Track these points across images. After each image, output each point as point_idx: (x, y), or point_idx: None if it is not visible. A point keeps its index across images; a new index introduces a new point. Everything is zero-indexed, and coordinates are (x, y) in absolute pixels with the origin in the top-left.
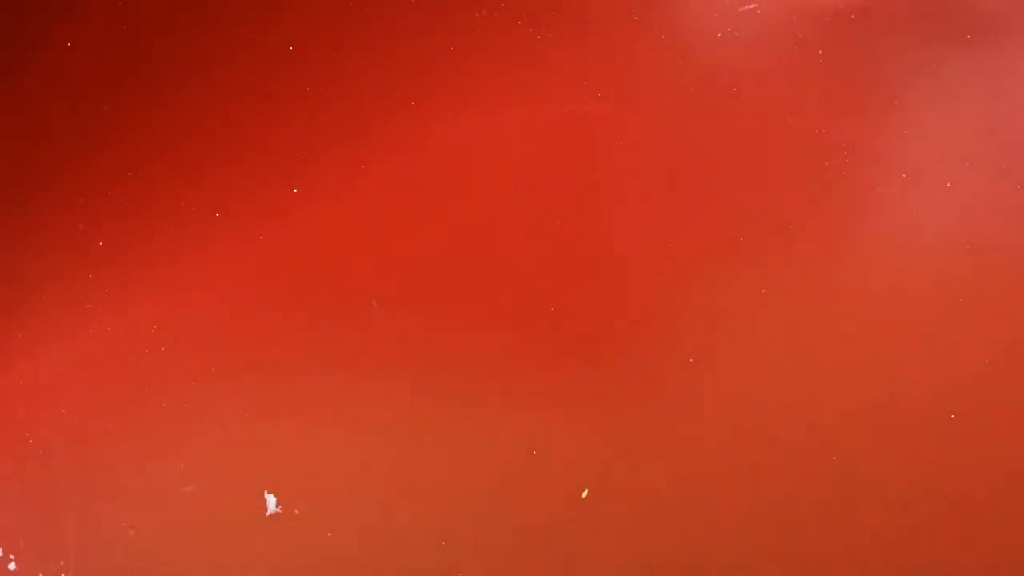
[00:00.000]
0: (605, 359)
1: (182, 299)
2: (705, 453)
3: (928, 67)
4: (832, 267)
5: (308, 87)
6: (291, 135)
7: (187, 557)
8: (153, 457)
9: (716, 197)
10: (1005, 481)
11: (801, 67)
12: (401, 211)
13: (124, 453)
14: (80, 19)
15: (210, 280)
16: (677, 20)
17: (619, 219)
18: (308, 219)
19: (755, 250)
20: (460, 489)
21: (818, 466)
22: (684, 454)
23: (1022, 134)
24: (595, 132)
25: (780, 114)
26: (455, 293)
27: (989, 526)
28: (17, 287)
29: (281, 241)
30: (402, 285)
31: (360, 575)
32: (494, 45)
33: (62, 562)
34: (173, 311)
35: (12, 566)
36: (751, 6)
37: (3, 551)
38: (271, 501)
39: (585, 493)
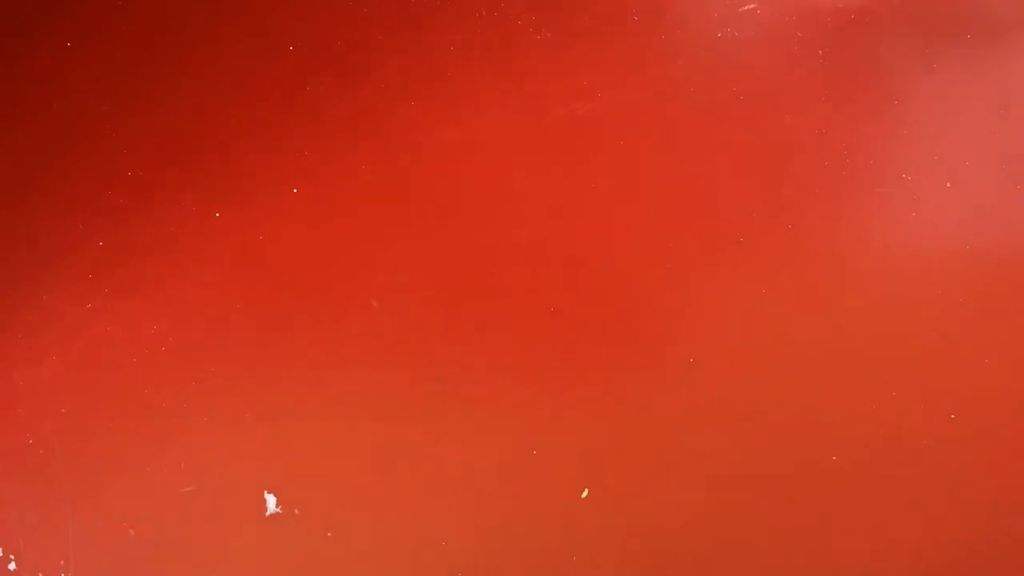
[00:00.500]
0: (605, 359)
1: (182, 299)
2: (705, 453)
3: (928, 67)
4: (832, 267)
5: (308, 87)
6: (291, 135)
7: (187, 557)
8: (153, 457)
9: (716, 197)
10: (1005, 481)
11: (801, 67)
12: (401, 211)
13: (124, 453)
14: (80, 19)
15: (210, 280)
16: (677, 20)
17: (619, 219)
18: (308, 219)
19: (755, 250)
20: (460, 489)
21: (818, 466)
22: (684, 454)
23: (1022, 134)
24: (595, 132)
25: (780, 114)
26: (455, 293)
27: (989, 526)
28: (17, 287)
29: (281, 241)
30: (402, 285)
31: (360, 575)
32: (494, 45)
33: (62, 562)
34: (173, 311)
35: (12, 566)
36: (751, 6)
37: (3, 551)
38: (271, 501)
39: (585, 493)
